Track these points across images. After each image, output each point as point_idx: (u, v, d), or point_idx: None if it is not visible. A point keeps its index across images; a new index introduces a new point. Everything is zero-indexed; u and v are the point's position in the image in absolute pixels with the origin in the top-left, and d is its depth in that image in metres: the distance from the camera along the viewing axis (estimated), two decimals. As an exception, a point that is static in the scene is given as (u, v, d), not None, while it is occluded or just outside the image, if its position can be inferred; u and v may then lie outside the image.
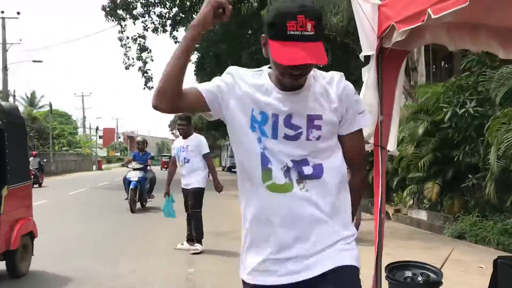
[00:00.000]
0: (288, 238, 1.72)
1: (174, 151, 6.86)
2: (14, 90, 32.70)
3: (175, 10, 23.46)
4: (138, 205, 12.11)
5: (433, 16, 2.73)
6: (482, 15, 3.29)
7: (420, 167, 8.99)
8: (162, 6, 23.35)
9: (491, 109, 7.61)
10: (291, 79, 1.71)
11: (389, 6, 3.32)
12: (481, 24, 3.50)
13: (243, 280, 1.85)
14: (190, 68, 33.01)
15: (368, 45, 3.44)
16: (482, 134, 7.38)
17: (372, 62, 3.43)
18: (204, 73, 26.99)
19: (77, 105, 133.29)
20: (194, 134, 6.85)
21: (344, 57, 15.28)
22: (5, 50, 30.40)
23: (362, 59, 3.48)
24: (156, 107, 1.75)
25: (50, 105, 42.22)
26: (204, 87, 1.80)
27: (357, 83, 3.41)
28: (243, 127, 1.77)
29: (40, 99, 50.84)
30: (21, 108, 43.84)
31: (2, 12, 30.22)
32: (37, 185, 19.87)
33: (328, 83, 1.81)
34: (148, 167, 12.43)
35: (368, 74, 3.46)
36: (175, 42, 25.01)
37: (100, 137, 71.84)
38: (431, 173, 8.99)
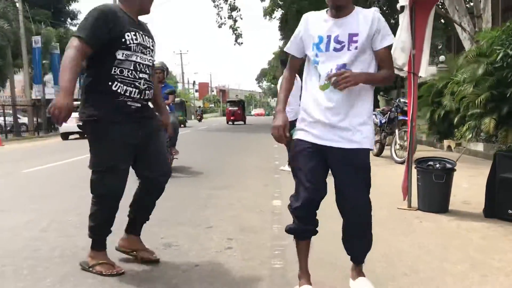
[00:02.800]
0: (327, 113, 2.38)
1: None
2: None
3: (261, -30, 24.16)
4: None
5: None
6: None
7: (478, 104, 9.40)
8: (249, -32, 24.18)
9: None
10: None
11: (419, -33, 4.24)
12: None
13: (294, 140, 2.52)
14: (275, 24, 33.42)
15: (403, -3, 4.39)
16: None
17: (406, 11, 4.39)
18: (288, 27, 27.65)
19: (176, 62, 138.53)
20: None
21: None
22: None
23: (399, 8, 4.44)
24: None
25: (153, 63, 44.85)
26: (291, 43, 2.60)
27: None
28: (308, 50, 2.48)
29: (145, 57, 53.85)
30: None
31: (112, -20, 32.53)
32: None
33: (367, 14, 2.39)
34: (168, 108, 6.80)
35: (403, 19, 4.42)
36: (261, 1, 25.90)
37: (196, 90, 75.19)
38: (488, 110, 9.36)
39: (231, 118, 35.40)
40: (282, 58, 7.84)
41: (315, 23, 2.46)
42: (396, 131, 8.70)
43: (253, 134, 19.17)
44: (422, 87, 14.04)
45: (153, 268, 2.98)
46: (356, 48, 2.36)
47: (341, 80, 2.27)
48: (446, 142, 11.61)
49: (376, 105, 15.22)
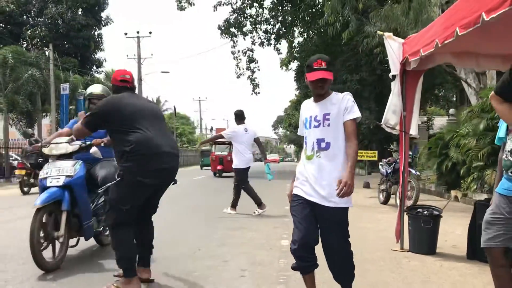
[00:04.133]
0: (312, 178, 3.03)
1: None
2: (147, 96, 36.82)
3: (278, 26, 25.71)
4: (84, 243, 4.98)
5: (422, 54, 4.48)
6: (469, 47, 4.87)
7: (480, 157, 10.12)
8: (267, 23, 25.78)
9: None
10: (318, 89, 3.07)
11: (407, 44, 5.11)
12: (472, 52, 5.06)
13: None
14: (291, 74, 35.10)
15: (394, 68, 5.23)
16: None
17: (397, 79, 5.20)
18: (303, 78, 28.86)
19: (195, 108, 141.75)
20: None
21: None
22: (140, 64, 34.64)
23: (391, 76, 5.25)
24: None
25: (174, 108, 46.61)
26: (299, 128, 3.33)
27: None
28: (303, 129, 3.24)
29: (164, 103, 55.87)
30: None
31: (138, 32, 34.61)
32: None
33: (339, 97, 3.10)
34: (93, 150, 4.75)
35: (394, 85, 5.22)
36: (278, 54, 27.29)
37: (213, 136, 76.58)
38: (490, 162, 10.00)
39: (218, 167, 22.11)
40: (236, 112, 8.82)
41: (305, 108, 3.25)
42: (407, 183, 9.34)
43: (266, 181, 19.81)
44: (430, 140, 14.73)
45: (180, 286, 3.69)
46: (329, 125, 3.06)
47: (346, 190, 2.83)
48: (453, 193, 12.11)
49: (385, 155, 15.89)
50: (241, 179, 8.34)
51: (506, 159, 2.98)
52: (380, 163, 11.05)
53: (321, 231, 3.09)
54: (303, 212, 3.06)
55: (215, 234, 6.28)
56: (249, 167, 8.42)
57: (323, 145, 3.05)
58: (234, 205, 8.39)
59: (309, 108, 3.22)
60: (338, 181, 2.87)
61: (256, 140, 8.67)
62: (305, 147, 3.17)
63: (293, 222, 3.13)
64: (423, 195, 11.73)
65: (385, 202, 10.15)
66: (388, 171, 10.06)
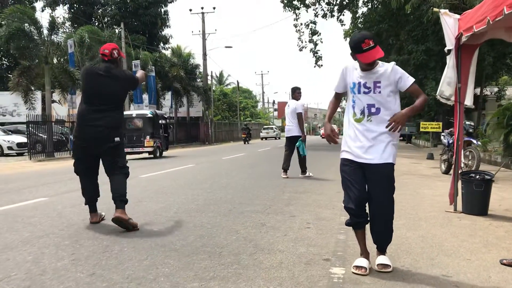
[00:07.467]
0: (362, 138, 3.36)
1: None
2: (212, 71, 38.08)
3: (341, -4, 25.66)
4: None
5: (475, 30, 4.90)
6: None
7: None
8: (331, -6, 25.78)
9: None
10: (367, 66, 3.32)
11: (461, 20, 5.51)
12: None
13: (341, 159, 3.54)
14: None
15: (450, 43, 5.64)
16: None
17: (452, 52, 5.62)
18: (367, 50, 28.63)
19: (257, 82, 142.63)
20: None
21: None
22: (204, 39, 35.73)
23: (446, 51, 5.67)
24: None
25: (238, 83, 47.53)
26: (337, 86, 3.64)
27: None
28: (348, 93, 3.50)
29: (227, 77, 57.18)
30: (213, 86, 50.08)
31: (202, 8, 35.62)
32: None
33: (388, 67, 3.35)
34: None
35: (450, 59, 5.64)
36: (341, 25, 27.23)
37: (275, 109, 77.60)
38: None
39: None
40: (292, 88, 10.29)
41: (353, 72, 3.49)
42: (462, 151, 9.63)
43: (328, 151, 20.34)
44: (497, 110, 14.56)
45: (257, 233, 4.52)
46: (379, 92, 3.36)
47: (395, 126, 3.28)
48: (519, 164, 12.15)
49: (450, 127, 15.89)
50: (285, 145, 10.15)
51: None
52: (443, 133, 11.30)
53: (370, 187, 3.41)
54: (355, 174, 3.40)
55: (283, 196, 7.08)
56: (289, 137, 10.00)
57: (373, 110, 3.37)
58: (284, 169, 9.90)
59: (357, 73, 3.46)
60: (391, 118, 3.31)
61: (297, 115, 9.91)
62: (353, 110, 3.46)
63: (345, 183, 3.45)
64: (488, 166, 11.87)
65: (447, 171, 10.45)
66: (450, 141, 10.33)
